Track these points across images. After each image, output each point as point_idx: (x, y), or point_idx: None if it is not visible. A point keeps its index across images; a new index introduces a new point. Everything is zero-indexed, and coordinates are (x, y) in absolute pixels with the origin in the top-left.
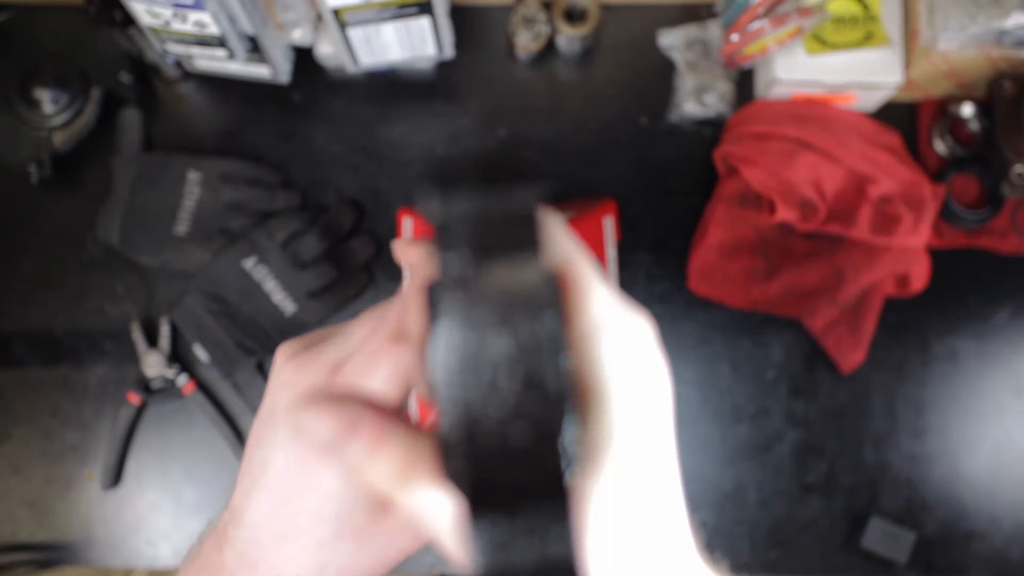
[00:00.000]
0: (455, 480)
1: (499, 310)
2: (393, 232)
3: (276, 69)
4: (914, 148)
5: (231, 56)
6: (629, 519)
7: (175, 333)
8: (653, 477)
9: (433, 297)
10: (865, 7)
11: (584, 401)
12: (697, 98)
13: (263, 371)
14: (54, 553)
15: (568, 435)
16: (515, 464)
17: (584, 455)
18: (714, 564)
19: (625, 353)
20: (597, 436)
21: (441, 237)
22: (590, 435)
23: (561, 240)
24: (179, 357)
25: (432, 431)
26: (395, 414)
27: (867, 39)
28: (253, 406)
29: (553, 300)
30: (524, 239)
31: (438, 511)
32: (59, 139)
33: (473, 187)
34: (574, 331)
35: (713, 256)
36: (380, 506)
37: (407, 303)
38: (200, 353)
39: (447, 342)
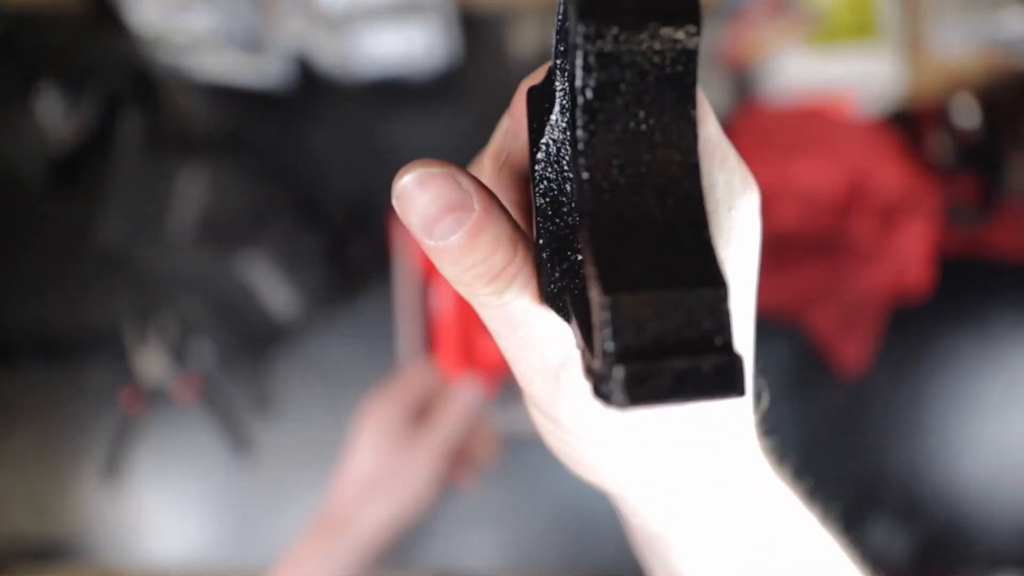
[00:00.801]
0: (596, 264)
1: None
2: (393, 232)
3: (276, 69)
4: (914, 148)
5: (231, 56)
6: None
7: (174, 333)
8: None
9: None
10: (865, 8)
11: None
12: None
13: (263, 371)
14: (53, 551)
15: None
16: (661, 248)
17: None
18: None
19: (729, 186)
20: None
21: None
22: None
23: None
24: (179, 357)
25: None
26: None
27: (867, 40)
28: (253, 406)
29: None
30: (688, 17)
31: (530, 318)
32: (59, 139)
33: None
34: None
35: None
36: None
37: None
38: (200, 353)
39: (588, 128)
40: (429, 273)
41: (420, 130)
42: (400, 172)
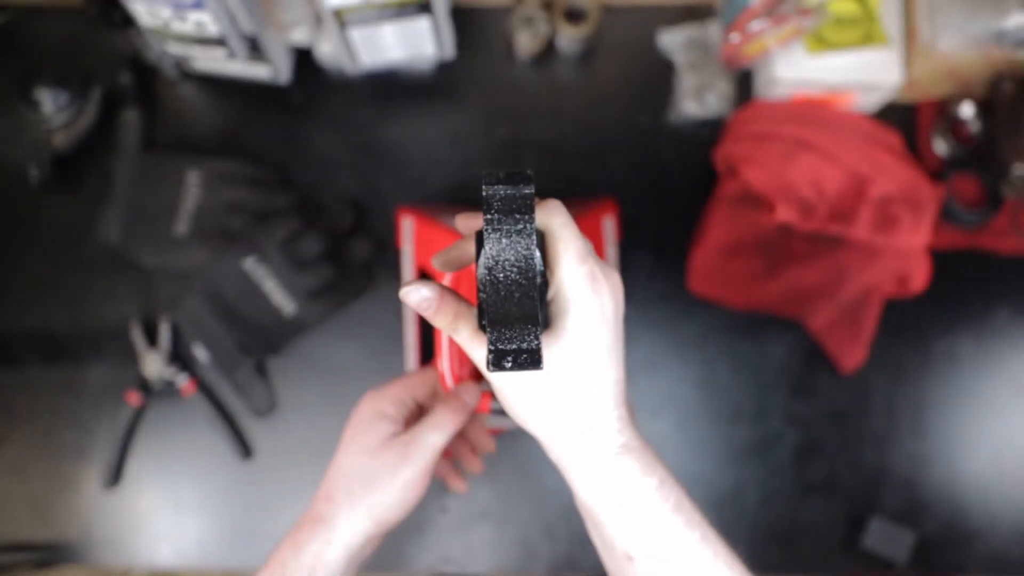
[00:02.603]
0: (487, 314)
1: (509, 242)
2: (393, 232)
3: (276, 69)
4: (914, 148)
5: (231, 56)
6: (568, 361)
7: (175, 333)
8: (585, 343)
9: (479, 238)
10: (865, 7)
11: (552, 288)
12: (697, 98)
13: (263, 371)
14: (54, 553)
15: (537, 298)
16: (513, 307)
17: (546, 312)
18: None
19: (580, 285)
20: (556, 307)
21: (486, 205)
22: (553, 305)
23: (552, 214)
24: (179, 357)
25: (476, 300)
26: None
27: (867, 39)
28: (253, 406)
29: (535, 238)
30: (526, 209)
31: (470, 340)
32: (59, 139)
33: (502, 181)
34: (555, 262)
35: (713, 256)
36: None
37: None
38: (200, 353)
39: (486, 255)
40: (428, 273)
41: (420, 128)
42: (403, 284)
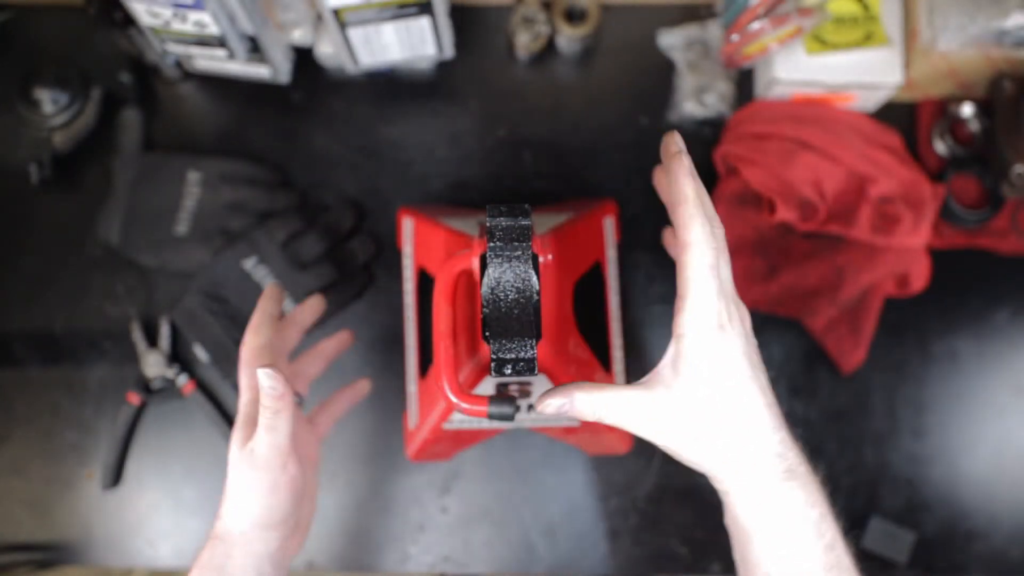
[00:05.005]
0: (489, 328)
1: (509, 267)
2: (393, 232)
3: (276, 69)
4: (914, 148)
5: (231, 56)
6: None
7: (175, 333)
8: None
9: (483, 262)
10: (865, 7)
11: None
12: (697, 98)
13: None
14: (54, 553)
15: (533, 314)
16: (512, 322)
17: (540, 325)
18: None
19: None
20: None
21: (489, 234)
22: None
23: (695, 254)
24: (179, 357)
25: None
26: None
27: (867, 39)
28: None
29: (532, 264)
30: (524, 238)
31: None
32: (59, 139)
33: (503, 214)
34: (685, 291)
35: None
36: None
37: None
38: (200, 353)
39: (489, 277)
40: (428, 273)
41: (420, 128)
42: (540, 399)
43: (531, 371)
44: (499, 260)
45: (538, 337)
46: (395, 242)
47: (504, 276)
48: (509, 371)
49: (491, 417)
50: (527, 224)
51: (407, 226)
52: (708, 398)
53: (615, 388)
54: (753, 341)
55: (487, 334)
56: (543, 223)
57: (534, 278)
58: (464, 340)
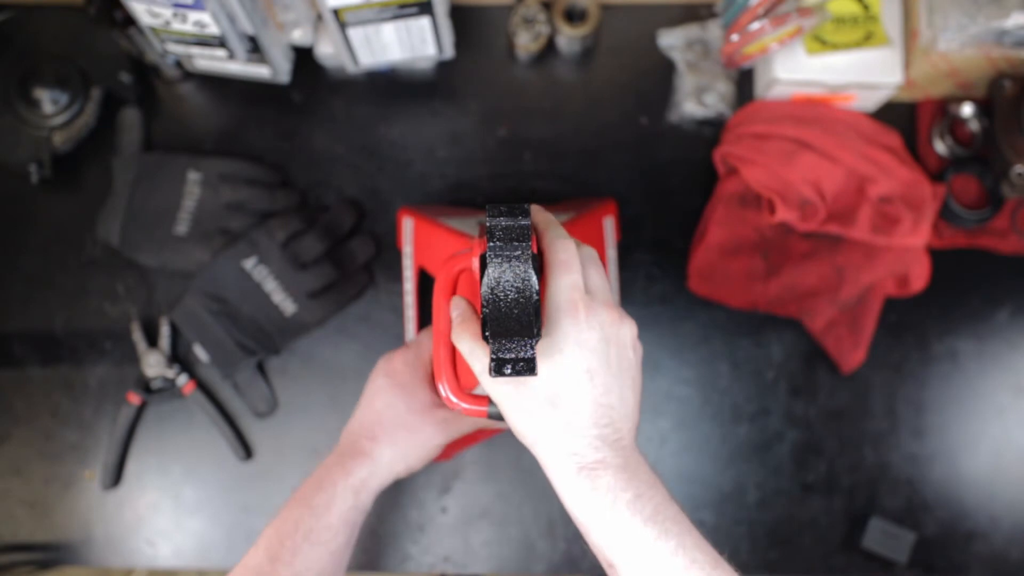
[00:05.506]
0: (489, 327)
1: (509, 266)
2: (393, 232)
3: (276, 69)
4: (914, 148)
5: (231, 56)
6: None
7: (175, 333)
8: (562, 352)
9: (483, 261)
10: (865, 7)
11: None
12: (697, 98)
13: (263, 371)
14: (54, 553)
15: (533, 314)
16: (512, 322)
17: (540, 325)
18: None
19: (569, 311)
20: (544, 331)
21: (489, 234)
22: (545, 320)
23: (557, 249)
24: (179, 357)
25: (479, 313)
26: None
27: (867, 39)
28: (253, 406)
29: (532, 263)
30: (523, 237)
31: (472, 349)
32: (59, 139)
33: (503, 214)
34: (546, 284)
35: (713, 256)
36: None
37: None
38: (200, 353)
39: (489, 277)
40: (428, 273)
41: (420, 128)
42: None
43: (531, 371)
44: (499, 260)
45: (538, 337)
46: (395, 242)
47: (504, 276)
48: (509, 371)
49: (491, 417)
50: (527, 224)
51: (407, 226)
52: (545, 379)
53: (482, 341)
54: (622, 343)
55: (487, 334)
56: None
57: (534, 278)
58: None
